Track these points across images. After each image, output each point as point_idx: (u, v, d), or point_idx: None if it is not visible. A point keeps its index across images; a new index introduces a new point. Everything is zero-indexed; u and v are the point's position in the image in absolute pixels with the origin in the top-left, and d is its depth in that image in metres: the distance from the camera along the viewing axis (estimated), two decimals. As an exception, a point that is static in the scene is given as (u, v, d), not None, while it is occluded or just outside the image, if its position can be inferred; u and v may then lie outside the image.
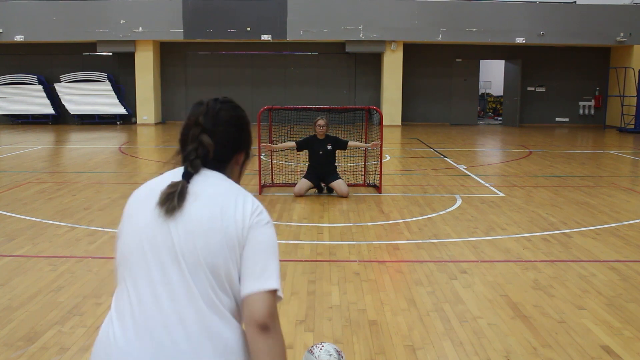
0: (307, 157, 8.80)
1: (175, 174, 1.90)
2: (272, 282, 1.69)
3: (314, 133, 8.63)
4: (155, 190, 1.84)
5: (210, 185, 1.80)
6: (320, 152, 8.49)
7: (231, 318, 1.72)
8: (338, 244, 6.10)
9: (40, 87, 21.31)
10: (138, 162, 12.59)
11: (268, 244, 1.74)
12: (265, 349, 1.66)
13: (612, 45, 21.01)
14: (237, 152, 1.91)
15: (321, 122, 8.55)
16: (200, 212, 1.74)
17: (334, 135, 8.89)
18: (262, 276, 1.69)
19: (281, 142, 9.50)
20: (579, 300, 4.62)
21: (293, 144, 8.72)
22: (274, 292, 1.69)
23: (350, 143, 8.78)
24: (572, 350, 3.76)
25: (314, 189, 8.69)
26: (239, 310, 1.74)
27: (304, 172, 8.81)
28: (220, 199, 1.77)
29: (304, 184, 8.55)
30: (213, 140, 1.83)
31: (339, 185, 8.47)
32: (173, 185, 1.80)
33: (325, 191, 8.68)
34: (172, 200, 1.75)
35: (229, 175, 1.89)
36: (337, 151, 8.70)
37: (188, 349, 1.68)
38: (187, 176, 1.83)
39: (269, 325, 1.66)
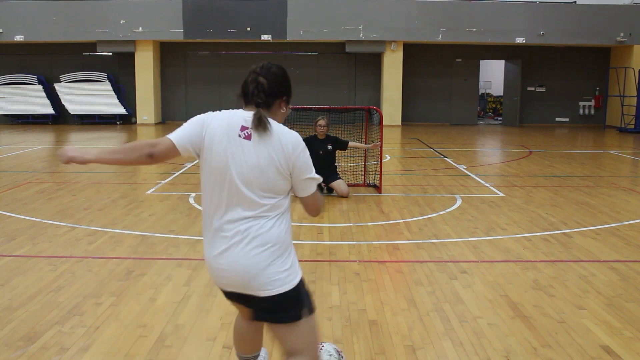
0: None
1: (238, 112, 2.58)
2: (312, 187, 2.65)
3: (314, 133, 8.63)
4: (232, 124, 2.52)
5: (276, 128, 2.55)
6: (321, 152, 8.48)
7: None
8: (338, 244, 6.10)
9: (40, 87, 21.32)
10: (138, 162, 12.58)
11: (309, 160, 2.61)
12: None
13: (612, 45, 21.02)
14: (281, 96, 2.64)
15: (322, 122, 8.55)
16: (267, 135, 2.51)
17: (334, 135, 8.89)
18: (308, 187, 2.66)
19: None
20: (579, 300, 4.62)
21: None
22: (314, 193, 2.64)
23: (350, 143, 8.78)
24: (572, 350, 3.76)
25: None
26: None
27: None
28: (276, 127, 2.55)
29: None
30: (266, 82, 2.55)
31: (339, 185, 8.47)
32: (257, 113, 2.50)
33: (325, 191, 8.68)
34: (264, 124, 2.47)
35: (273, 117, 2.59)
36: (337, 151, 8.70)
37: (249, 241, 2.53)
38: (259, 105, 2.54)
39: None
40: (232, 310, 4.35)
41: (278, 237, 2.53)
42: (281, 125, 2.56)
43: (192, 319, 4.21)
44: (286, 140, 2.51)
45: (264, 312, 2.59)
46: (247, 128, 2.49)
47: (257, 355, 3.04)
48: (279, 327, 2.60)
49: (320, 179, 2.66)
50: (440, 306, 4.48)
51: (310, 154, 2.58)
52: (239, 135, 2.48)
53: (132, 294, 4.68)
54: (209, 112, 2.59)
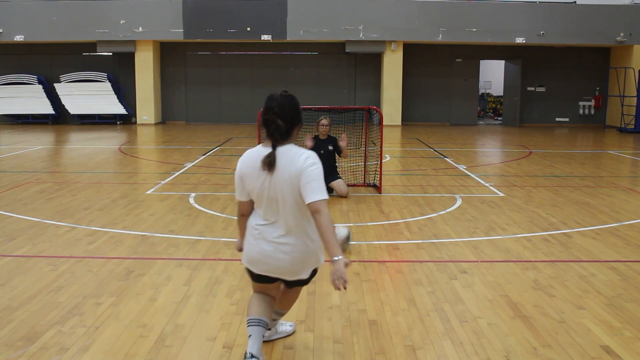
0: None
1: (265, 148, 3.26)
2: (319, 194, 3.18)
3: (316, 133, 8.62)
4: (258, 158, 3.25)
5: (286, 150, 3.25)
6: (322, 152, 8.47)
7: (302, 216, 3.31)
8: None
9: (40, 87, 21.32)
10: (138, 162, 12.59)
11: (316, 175, 3.21)
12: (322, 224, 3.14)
13: (612, 45, 21.02)
14: (295, 126, 3.31)
15: (324, 121, 8.52)
16: (283, 165, 3.22)
17: (335, 136, 8.87)
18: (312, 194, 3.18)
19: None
20: (579, 300, 4.62)
21: None
22: (322, 201, 3.17)
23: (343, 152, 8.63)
24: (572, 350, 3.76)
25: None
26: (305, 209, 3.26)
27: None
28: (292, 156, 3.23)
29: None
30: (283, 122, 3.23)
31: (338, 185, 8.47)
32: (268, 156, 3.21)
33: None
34: (271, 165, 3.21)
35: (292, 141, 3.31)
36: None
37: (289, 240, 3.33)
38: (274, 147, 3.24)
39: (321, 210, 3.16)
40: (231, 310, 4.36)
41: None
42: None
43: (192, 319, 4.21)
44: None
45: (296, 284, 3.55)
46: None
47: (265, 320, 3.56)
48: (293, 290, 3.69)
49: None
50: (440, 306, 4.48)
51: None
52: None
53: (132, 294, 4.68)
54: (239, 161, 3.38)
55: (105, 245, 6.06)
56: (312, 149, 8.54)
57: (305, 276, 3.45)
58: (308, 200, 3.16)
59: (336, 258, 3.07)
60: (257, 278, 3.52)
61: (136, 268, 5.32)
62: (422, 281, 5.02)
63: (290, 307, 3.87)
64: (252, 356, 3.36)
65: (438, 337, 3.95)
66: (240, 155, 3.43)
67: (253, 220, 3.40)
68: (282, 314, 3.86)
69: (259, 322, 3.48)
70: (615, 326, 4.13)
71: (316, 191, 3.16)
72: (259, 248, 3.36)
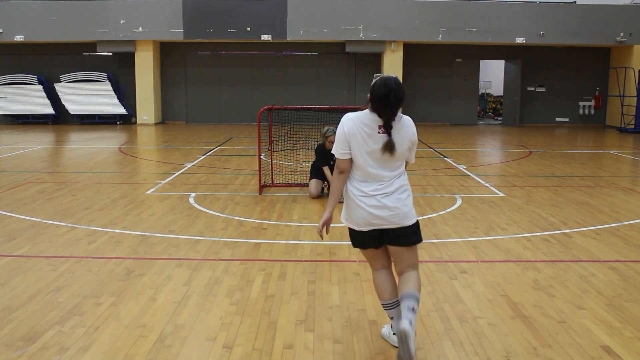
0: (313, 159, 8.71)
1: (376, 117, 3.55)
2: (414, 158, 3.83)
3: (322, 142, 8.44)
4: (368, 127, 3.55)
5: (401, 124, 3.60)
6: (332, 163, 8.40)
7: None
8: (338, 244, 6.10)
9: (40, 87, 21.32)
10: (138, 162, 12.59)
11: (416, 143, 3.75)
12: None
13: (612, 45, 21.02)
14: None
15: (333, 138, 8.20)
16: (399, 138, 3.57)
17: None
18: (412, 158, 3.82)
19: (282, 142, 9.45)
20: (579, 300, 4.62)
21: (325, 167, 8.37)
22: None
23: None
24: (572, 350, 3.76)
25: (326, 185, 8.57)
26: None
27: (308, 174, 8.77)
28: (405, 128, 3.63)
29: (316, 184, 8.45)
30: (399, 105, 3.52)
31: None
32: (388, 123, 3.53)
33: (326, 191, 8.66)
34: (391, 148, 3.53)
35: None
36: None
37: (395, 192, 3.65)
38: (389, 128, 3.54)
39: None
40: (232, 310, 4.36)
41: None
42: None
43: (192, 319, 4.21)
44: None
45: (403, 237, 3.66)
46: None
47: (397, 302, 3.69)
48: (406, 249, 3.69)
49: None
50: (440, 306, 4.48)
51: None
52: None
53: (132, 294, 4.68)
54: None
55: (105, 245, 6.06)
56: (323, 159, 8.44)
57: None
58: (411, 160, 3.85)
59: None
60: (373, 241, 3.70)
61: (136, 268, 5.32)
62: (422, 281, 5.01)
63: (418, 283, 3.66)
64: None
65: (438, 337, 3.95)
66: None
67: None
68: (415, 298, 3.59)
69: (395, 304, 3.68)
70: (615, 326, 4.13)
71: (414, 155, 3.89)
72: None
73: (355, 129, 3.55)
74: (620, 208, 7.95)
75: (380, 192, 3.59)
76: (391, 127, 3.51)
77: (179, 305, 4.47)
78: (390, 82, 3.50)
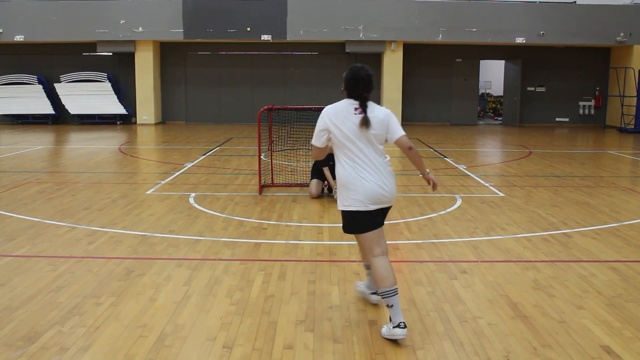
0: (314, 160, 8.70)
1: (353, 102, 4.03)
2: (402, 131, 4.08)
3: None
4: (345, 110, 4.00)
5: (374, 107, 4.08)
6: (331, 163, 8.41)
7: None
8: (338, 244, 6.10)
9: (40, 87, 21.32)
10: (138, 162, 12.60)
11: (396, 120, 4.11)
12: (414, 156, 4.08)
13: (612, 45, 21.02)
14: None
15: None
16: (374, 116, 4.01)
17: None
18: (398, 132, 4.06)
19: (281, 143, 9.45)
20: (579, 300, 4.62)
21: (325, 168, 8.37)
22: (405, 135, 4.06)
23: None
24: (572, 350, 3.76)
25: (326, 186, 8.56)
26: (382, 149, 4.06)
27: (309, 174, 8.77)
28: (377, 110, 4.08)
29: (317, 184, 8.46)
30: (369, 80, 4.08)
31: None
32: (364, 105, 4.00)
33: (326, 191, 8.67)
34: (367, 123, 3.94)
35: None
36: None
37: (387, 172, 4.00)
38: (364, 107, 4.01)
39: (412, 146, 4.05)
40: (231, 310, 4.36)
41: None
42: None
43: (192, 319, 4.21)
44: None
45: (384, 218, 4.07)
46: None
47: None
48: (382, 230, 4.06)
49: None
50: (440, 306, 4.48)
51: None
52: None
53: (132, 294, 4.68)
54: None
55: (105, 245, 6.06)
56: (324, 160, 8.38)
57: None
58: (397, 136, 4.07)
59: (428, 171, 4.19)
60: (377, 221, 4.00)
61: (136, 268, 5.32)
62: (422, 281, 5.02)
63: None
64: (405, 325, 3.83)
65: (438, 337, 3.95)
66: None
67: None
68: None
69: (396, 291, 3.89)
70: (615, 326, 4.13)
71: (400, 131, 4.10)
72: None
73: (335, 115, 3.98)
74: (620, 208, 7.95)
75: (378, 171, 3.94)
76: (366, 107, 3.98)
77: (179, 305, 4.47)
78: (355, 65, 4.08)
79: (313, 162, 8.75)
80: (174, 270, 5.28)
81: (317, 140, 4.06)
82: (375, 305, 4.47)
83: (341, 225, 4.17)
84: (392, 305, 3.85)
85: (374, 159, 3.96)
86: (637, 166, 12.58)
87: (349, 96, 4.04)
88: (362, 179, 3.92)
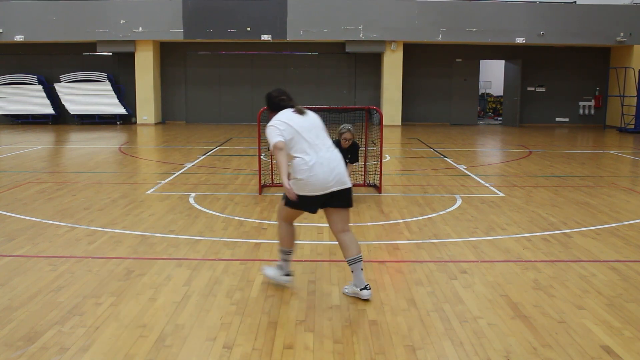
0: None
1: (289, 110, 4.65)
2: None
3: (337, 139, 8.14)
4: (293, 115, 4.60)
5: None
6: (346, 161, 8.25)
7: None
8: (338, 244, 6.09)
9: (40, 87, 21.32)
10: (138, 162, 12.60)
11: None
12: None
13: (612, 45, 21.02)
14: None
15: (347, 135, 8.06)
16: (311, 115, 4.69)
17: (356, 142, 8.35)
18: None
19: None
20: (579, 300, 4.62)
21: None
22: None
23: (355, 164, 8.51)
24: (572, 350, 3.76)
25: None
26: None
27: None
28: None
29: None
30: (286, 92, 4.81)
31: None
32: (300, 109, 4.64)
33: None
34: (301, 111, 4.64)
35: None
36: None
37: (340, 160, 4.59)
38: (300, 111, 4.64)
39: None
40: (231, 310, 4.36)
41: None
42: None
43: (192, 319, 4.21)
44: None
45: (342, 201, 4.63)
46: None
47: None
48: (342, 211, 4.68)
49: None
50: (440, 306, 4.48)
51: None
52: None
53: (132, 294, 4.68)
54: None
55: (105, 245, 6.06)
56: None
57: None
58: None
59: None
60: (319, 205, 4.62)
61: (136, 268, 5.32)
62: (422, 281, 5.02)
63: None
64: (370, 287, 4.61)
65: (438, 337, 3.95)
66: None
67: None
68: None
69: (360, 258, 4.60)
70: (615, 326, 4.13)
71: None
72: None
73: (282, 121, 4.54)
74: (620, 208, 7.95)
75: (326, 159, 4.47)
76: (295, 103, 4.70)
77: (179, 305, 4.47)
78: (270, 91, 4.81)
79: None
80: (174, 270, 5.28)
81: (276, 139, 4.63)
82: (374, 305, 4.47)
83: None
84: (353, 271, 4.60)
85: (322, 148, 4.60)
86: (637, 166, 12.58)
87: (282, 108, 4.70)
88: (315, 171, 4.54)
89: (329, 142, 4.61)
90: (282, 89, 4.79)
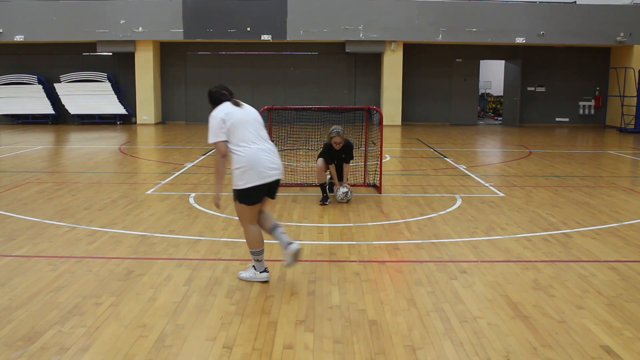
0: (313, 159, 8.62)
1: (229, 104, 4.94)
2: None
3: (328, 142, 8.18)
4: (233, 108, 4.90)
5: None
6: (335, 162, 8.31)
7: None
8: (338, 244, 6.10)
9: (40, 87, 21.32)
10: (138, 162, 12.60)
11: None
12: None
13: (612, 45, 21.02)
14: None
15: (337, 139, 8.04)
16: (249, 108, 5.03)
17: (349, 140, 8.40)
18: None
19: (282, 142, 9.43)
20: (579, 300, 4.62)
21: (323, 163, 8.22)
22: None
23: (350, 164, 8.50)
24: (572, 350, 3.76)
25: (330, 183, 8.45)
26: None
27: (309, 174, 8.72)
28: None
29: (324, 161, 8.13)
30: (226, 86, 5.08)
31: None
32: (237, 102, 4.94)
33: (329, 201, 8.40)
34: (238, 103, 4.94)
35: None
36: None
37: (276, 151, 5.06)
38: (237, 104, 4.95)
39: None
40: (231, 310, 4.36)
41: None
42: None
43: (192, 319, 4.21)
44: None
45: (273, 192, 5.01)
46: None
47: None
48: (268, 203, 5.12)
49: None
50: (440, 306, 4.48)
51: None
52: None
53: (132, 294, 4.68)
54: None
55: (105, 245, 6.06)
56: (327, 158, 8.27)
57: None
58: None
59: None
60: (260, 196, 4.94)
61: (136, 268, 5.32)
62: (422, 281, 5.02)
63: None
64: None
65: (438, 337, 3.95)
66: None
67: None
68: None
69: (263, 251, 4.96)
70: (615, 326, 4.13)
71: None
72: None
73: (223, 114, 4.78)
74: (620, 208, 7.96)
75: (266, 147, 4.86)
76: (235, 99, 4.97)
77: (179, 305, 4.47)
78: (211, 88, 5.04)
79: (319, 152, 8.43)
80: (174, 270, 5.28)
81: (219, 138, 5.04)
82: (375, 305, 4.47)
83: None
84: (258, 260, 4.95)
85: (260, 140, 4.97)
86: (637, 166, 12.58)
87: (222, 102, 4.95)
88: (257, 157, 4.95)
89: (266, 134, 4.99)
90: (223, 85, 5.05)
